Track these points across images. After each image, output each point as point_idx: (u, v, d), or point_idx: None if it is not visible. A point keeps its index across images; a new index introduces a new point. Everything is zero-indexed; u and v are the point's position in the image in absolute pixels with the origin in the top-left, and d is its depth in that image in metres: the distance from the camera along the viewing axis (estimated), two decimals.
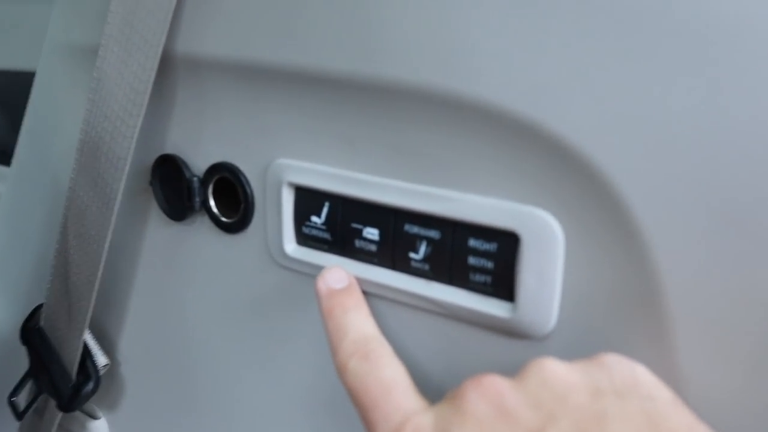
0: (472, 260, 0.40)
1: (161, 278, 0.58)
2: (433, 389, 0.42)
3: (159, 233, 0.57)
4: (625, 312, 0.36)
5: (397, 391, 0.35)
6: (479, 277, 0.40)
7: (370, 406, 0.35)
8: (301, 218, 0.47)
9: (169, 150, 0.53)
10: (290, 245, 0.48)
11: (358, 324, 0.40)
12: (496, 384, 0.33)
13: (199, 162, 0.51)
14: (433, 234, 0.41)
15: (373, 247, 0.44)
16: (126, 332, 0.64)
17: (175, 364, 0.61)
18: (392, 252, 0.43)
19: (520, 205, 0.38)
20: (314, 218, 0.46)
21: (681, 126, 0.32)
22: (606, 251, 0.36)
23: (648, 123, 0.32)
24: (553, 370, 0.33)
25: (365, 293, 0.45)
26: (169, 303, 0.58)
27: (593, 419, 0.31)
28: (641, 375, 0.33)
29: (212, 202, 0.51)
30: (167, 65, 0.50)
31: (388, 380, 0.36)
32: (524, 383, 0.33)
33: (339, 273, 0.44)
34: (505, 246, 0.39)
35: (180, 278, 0.56)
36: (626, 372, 0.33)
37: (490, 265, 0.39)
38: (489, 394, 0.33)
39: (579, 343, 0.38)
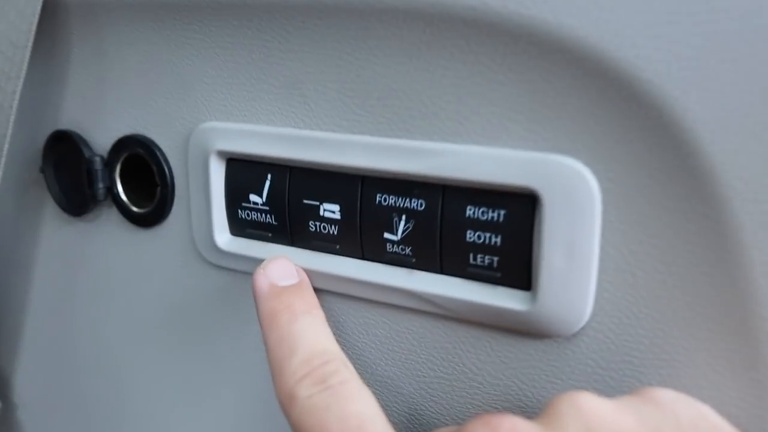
0: (471, 236, 0.30)
1: (62, 292, 0.49)
2: (424, 418, 0.34)
3: (55, 235, 0.48)
4: (690, 296, 0.27)
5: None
6: (482, 259, 0.30)
7: None
8: (235, 199, 0.37)
9: (63, 125, 0.44)
10: (222, 236, 0.38)
11: (312, 335, 0.31)
12: (513, 427, 0.24)
13: (101, 137, 0.43)
14: (415, 204, 0.31)
15: (333, 230, 0.34)
16: (21, 365, 0.54)
17: (86, 400, 0.51)
18: (360, 234, 0.33)
19: (537, 153, 0.28)
20: (253, 197, 0.36)
21: None
22: (664, 212, 0.27)
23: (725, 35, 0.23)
24: (596, 410, 0.24)
25: (323, 292, 0.35)
26: (74, 324, 0.49)
27: None
28: (712, 418, 0.26)
29: (120, 188, 0.43)
30: (56, 12, 0.41)
31: (356, 416, 0.27)
32: (555, 427, 0.24)
33: (286, 265, 0.34)
34: (518, 212, 0.29)
35: (86, 291, 0.48)
36: (694, 415, 0.25)
37: (496, 240, 0.30)
38: None
39: (620, 340, 0.29)
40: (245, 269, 0.38)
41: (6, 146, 0.40)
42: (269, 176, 0.35)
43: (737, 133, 0.24)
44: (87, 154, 0.42)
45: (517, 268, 0.30)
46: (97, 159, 0.42)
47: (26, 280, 0.51)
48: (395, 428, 0.27)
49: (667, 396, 0.26)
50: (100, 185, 0.42)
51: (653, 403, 0.25)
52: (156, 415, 0.47)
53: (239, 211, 0.37)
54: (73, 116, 0.44)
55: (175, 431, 0.46)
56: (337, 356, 0.30)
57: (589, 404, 0.24)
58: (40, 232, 0.49)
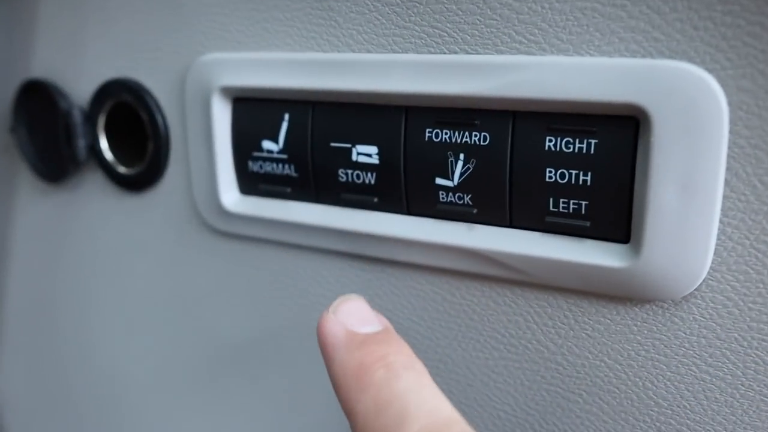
0: (552, 175, 0.24)
1: (42, 275, 0.44)
2: (488, 411, 0.29)
3: (32, 207, 0.43)
4: None
5: None
6: (566, 205, 0.24)
7: None
8: (245, 148, 0.31)
9: (36, 73, 0.39)
10: (230, 195, 0.32)
11: (425, 398, 0.22)
12: None
13: (81, 85, 0.38)
14: (477, 139, 0.25)
15: (370, 178, 0.28)
16: (4, 363, 0.49)
17: (74, 398, 0.45)
18: (404, 182, 0.27)
19: (643, 60, 0.22)
20: (267, 144, 0.30)
21: None
22: None
23: None
24: None
25: (367, 257, 0.30)
26: (58, 311, 0.44)
27: None
28: None
29: (104, 145, 0.37)
30: None
31: None
32: None
33: (362, 308, 0.26)
34: (615, 140, 0.23)
35: (69, 271, 0.42)
36: None
37: (586, 179, 0.24)
38: None
39: (745, 304, 0.23)
40: (262, 235, 0.32)
41: None
42: (287, 116, 0.30)
43: None
44: (64, 105, 0.37)
45: (613, 214, 0.24)
46: (76, 111, 0.37)
47: (2, 260, 0.46)
48: None
49: None
50: (81, 142, 0.37)
51: None
52: (153, 412, 0.41)
53: (250, 162, 0.31)
54: (46, 62, 0.39)
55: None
56: (459, 422, 0.22)
57: None
58: (14, 205, 0.44)
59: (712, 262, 0.23)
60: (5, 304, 0.48)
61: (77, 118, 0.37)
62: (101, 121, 0.37)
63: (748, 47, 0.21)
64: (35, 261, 0.44)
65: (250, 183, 0.32)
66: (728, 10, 0.20)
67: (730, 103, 0.21)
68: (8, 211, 0.45)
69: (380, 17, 0.27)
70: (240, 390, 0.37)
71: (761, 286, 0.23)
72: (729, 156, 0.22)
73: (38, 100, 0.38)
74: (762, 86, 0.21)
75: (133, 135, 0.36)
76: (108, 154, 0.37)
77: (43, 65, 0.39)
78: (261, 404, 0.36)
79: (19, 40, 0.40)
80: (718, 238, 0.23)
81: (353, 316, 0.25)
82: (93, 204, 0.40)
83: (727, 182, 0.22)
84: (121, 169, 0.37)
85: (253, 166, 0.31)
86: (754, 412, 0.24)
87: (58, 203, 0.42)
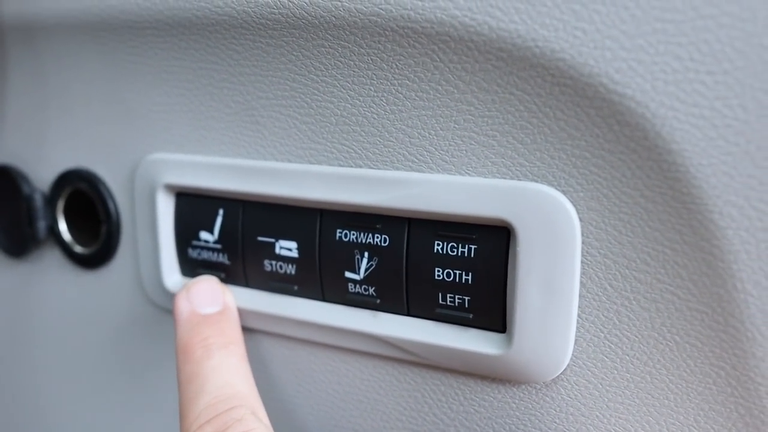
0: (440, 274, 0.28)
1: (1, 339, 0.46)
2: None
3: None
4: (680, 335, 0.25)
5: None
6: (452, 299, 0.28)
7: None
8: (185, 237, 0.34)
9: (3, 159, 0.42)
10: (172, 277, 0.35)
11: (223, 376, 0.28)
12: None
13: (43, 172, 0.40)
14: (379, 240, 0.29)
15: (290, 269, 0.31)
16: None
17: None
18: (319, 273, 0.31)
19: (511, 182, 0.26)
20: (204, 235, 0.33)
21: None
22: (648, 242, 0.24)
23: (710, 37, 0.21)
24: None
25: (281, 336, 0.33)
26: (16, 374, 0.46)
27: None
28: None
29: (63, 227, 0.40)
30: None
31: None
32: None
33: (211, 289, 0.32)
34: (491, 246, 0.27)
35: (27, 337, 0.44)
36: None
37: (467, 278, 0.27)
38: None
39: (603, 387, 0.27)
40: None
41: None
42: (221, 211, 0.33)
43: (731, 155, 0.22)
44: (26, 190, 0.40)
45: (490, 308, 0.27)
46: (38, 195, 0.40)
47: None
48: None
49: None
50: (42, 223, 0.40)
51: None
52: None
53: (189, 249, 0.34)
54: (10, 149, 0.41)
55: None
56: (245, 402, 0.27)
57: None
58: None
59: (574, 351, 0.26)
60: None
61: (38, 201, 0.39)
62: (60, 205, 0.39)
63: (594, 174, 0.25)
64: None
65: (189, 267, 0.35)
66: (576, 144, 0.24)
67: (581, 219, 0.25)
68: None
69: (298, 132, 0.30)
70: None
71: (615, 372, 0.26)
72: (583, 263, 0.25)
73: (3, 183, 0.40)
74: (606, 206, 0.25)
75: (89, 217, 0.39)
76: (66, 235, 0.39)
77: (10, 153, 0.41)
78: None
79: None
80: (578, 331, 0.26)
81: (200, 296, 0.31)
82: (51, 278, 0.42)
83: (582, 284, 0.26)
84: (77, 249, 0.39)
85: (192, 253, 0.34)
86: None
87: (19, 275, 0.44)
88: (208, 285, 0.32)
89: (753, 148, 0.22)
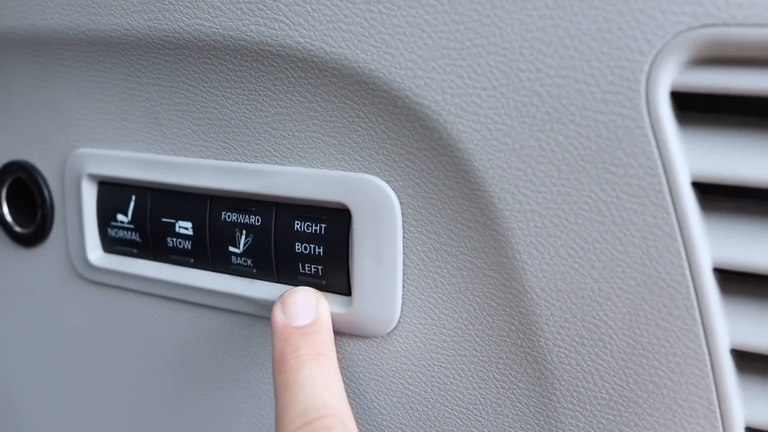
0: (299, 247, 0.33)
1: None
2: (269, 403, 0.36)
3: None
4: (480, 296, 0.31)
5: None
6: (309, 268, 0.34)
7: None
8: (105, 218, 0.40)
9: None
10: (95, 253, 0.41)
11: (315, 387, 0.30)
12: None
13: None
14: (254, 220, 0.35)
15: (187, 245, 0.37)
16: None
17: None
18: (209, 248, 0.37)
19: (347, 173, 0.32)
20: (120, 216, 0.39)
21: (518, 60, 0.27)
22: (451, 221, 0.31)
23: (481, 60, 0.27)
24: None
25: (183, 302, 0.38)
26: None
27: None
28: None
29: (5, 209, 0.45)
30: None
31: None
32: None
33: (304, 300, 0.33)
34: (336, 225, 0.33)
35: None
36: None
37: (320, 251, 0.33)
38: None
39: (427, 339, 0.33)
40: (117, 284, 0.41)
41: None
42: (133, 197, 0.39)
43: (503, 151, 0.28)
44: None
45: (337, 275, 0.33)
46: None
47: None
48: None
49: None
50: None
51: None
52: (36, 427, 0.48)
53: (109, 229, 0.40)
54: None
55: None
56: (335, 413, 0.29)
57: None
58: None
59: (402, 310, 0.32)
60: None
61: None
62: (3, 192, 0.44)
63: (409, 167, 0.31)
64: None
65: (109, 244, 0.40)
66: (394, 143, 0.31)
67: (401, 203, 0.31)
68: None
69: (192, 132, 0.36)
70: (104, 404, 0.45)
71: (435, 327, 0.32)
72: (405, 238, 0.32)
73: None
74: (419, 192, 0.31)
75: (28, 202, 0.44)
76: (8, 217, 0.45)
77: None
78: (127, 418, 0.45)
79: None
80: (404, 294, 0.32)
81: (293, 308, 0.32)
82: None
83: (406, 255, 0.32)
84: (17, 229, 0.44)
85: (111, 232, 0.40)
86: (440, 415, 0.34)
87: None
88: (302, 296, 0.33)
89: (518, 147, 0.28)
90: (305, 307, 0.33)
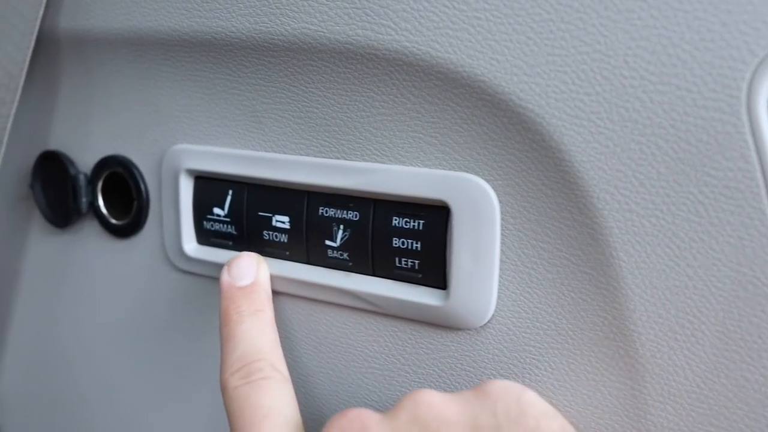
0: (396, 242, 0.35)
1: (45, 298, 0.53)
2: (361, 393, 0.38)
3: (42, 245, 0.52)
4: (575, 292, 0.32)
5: (271, 423, 0.32)
6: (406, 262, 0.35)
7: None
8: (201, 212, 0.42)
9: (52, 146, 0.49)
10: (190, 244, 0.43)
11: (252, 336, 0.35)
12: (362, 419, 0.30)
13: (86, 157, 0.47)
14: (351, 215, 0.36)
15: (283, 238, 0.38)
16: (4, 367, 0.57)
17: (65, 404, 0.54)
18: (306, 241, 0.38)
19: (448, 172, 0.33)
20: (216, 210, 0.41)
21: (622, 67, 0.28)
22: (549, 219, 0.32)
23: (585, 67, 0.29)
24: (429, 403, 0.30)
25: (278, 293, 0.40)
26: (55, 327, 0.53)
27: None
28: (528, 405, 0.30)
29: (101, 202, 0.47)
30: (48, 45, 0.45)
31: (266, 409, 0.32)
32: (395, 418, 0.30)
33: (246, 265, 0.38)
34: (434, 221, 0.34)
35: (67, 296, 0.51)
36: (511, 403, 0.30)
37: (417, 246, 0.34)
38: (353, 431, 0.29)
39: (520, 332, 0.34)
40: (210, 274, 0.42)
41: None
42: (230, 192, 0.40)
43: (604, 154, 0.29)
44: (72, 171, 0.46)
45: (434, 269, 0.35)
46: (82, 176, 0.46)
47: (13, 285, 0.54)
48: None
49: (495, 387, 0.30)
50: (84, 200, 0.46)
51: (482, 394, 0.30)
52: (131, 410, 0.50)
53: (204, 222, 0.42)
54: (60, 137, 0.48)
55: (148, 426, 0.50)
56: (266, 357, 0.34)
57: (425, 398, 0.30)
58: (28, 242, 0.52)
59: (497, 304, 0.34)
60: (11, 318, 0.55)
61: (82, 181, 0.46)
62: (99, 185, 0.46)
63: (509, 167, 0.32)
64: (40, 285, 0.52)
65: (204, 237, 0.42)
66: (496, 144, 0.32)
67: (500, 201, 0.32)
68: (22, 246, 0.52)
69: (291, 131, 0.38)
70: (194, 386, 0.47)
71: (528, 321, 0.33)
72: (502, 235, 0.33)
73: (52, 166, 0.47)
74: (518, 191, 0.32)
75: (122, 195, 0.46)
76: (104, 209, 0.46)
77: (59, 140, 0.48)
78: (211, 398, 0.47)
79: (41, 121, 0.48)
80: (499, 288, 0.33)
81: (237, 272, 0.37)
82: (89, 245, 0.49)
83: (503, 252, 0.33)
84: (113, 221, 0.46)
85: (207, 225, 0.42)
86: None
87: (62, 242, 0.50)
88: (245, 261, 0.38)
89: (618, 149, 0.29)
90: (247, 270, 0.38)
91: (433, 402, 0.30)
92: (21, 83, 0.43)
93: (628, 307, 0.31)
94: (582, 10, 0.28)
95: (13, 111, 0.43)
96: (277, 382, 0.34)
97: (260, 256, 0.39)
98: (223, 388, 0.34)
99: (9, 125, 0.44)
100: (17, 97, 0.43)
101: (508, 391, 0.30)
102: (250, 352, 0.34)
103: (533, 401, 0.30)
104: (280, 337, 0.40)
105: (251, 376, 0.33)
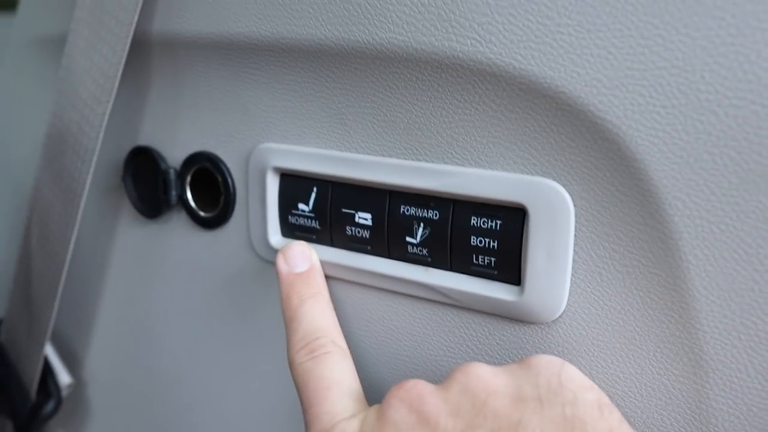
0: (474, 241, 0.37)
1: (134, 284, 0.56)
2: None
3: (131, 234, 0.55)
4: (643, 291, 0.34)
5: (334, 394, 0.35)
6: (483, 259, 0.37)
7: (307, 405, 0.35)
8: (286, 207, 0.44)
9: (143, 142, 0.51)
10: (275, 236, 0.45)
11: (312, 316, 0.39)
12: (418, 389, 0.32)
13: (175, 153, 0.49)
14: (431, 214, 0.38)
15: (365, 234, 0.41)
16: (94, 348, 0.60)
17: (151, 383, 0.57)
18: (387, 237, 0.40)
19: (526, 176, 0.35)
20: (301, 206, 0.43)
21: (699, 82, 0.29)
22: (621, 223, 0.33)
23: (663, 81, 0.30)
24: (478, 375, 0.32)
25: (355, 284, 0.42)
26: (142, 311, 0.55)
27: (509, 428, 0.30)
28: (567, 378, 0.32)
29: (190, 196, 0.49)
30: (141, 48, 0.48)
31: (328, 381, 0.35)
32: (448, 389, 0.32)
33: (300, 253, 0.41)
34: (511, 222, 0.36)
35: (155, 283, 0.54)
36: (552, 375, 0.32)
37: (494, 244, 0.36)
38: (409, 400, 0.32)
39: (590, 327, 0.36)
40: None
41: (95, 158, 0.47)
42: (315, 189, 0.42)
43: (678, 164, 0.31)
44: (163, 166, 0.49)
45: (509, 267, 0.36)
46: (171, 171, 0.48)
47: (103, 273, 0.57)
48: None
49: (538, 360, 0.33)
50: (173, 193, 0.48)
51: (526, 367, 0.32)
52: (218, 387, 0.52)
53: (289, 216, 0.44)
54: (151, 134, 0.50)
55: (237, 409, 0.52)
56: (327, 334, 0.38)
57: (475, 370, 0.32)
58: (118, 232, 0.55)
59: (568, 301, 0.35)
60: (102, 302, 0.58)
61: (172, 175, 0.48)
62: (188, 179, 0.48)
63: (585, 173, 0.33)
64: (130, 272, 0.55)
65: (289, 230, 0.44)
66: (573, 151, 0.34)
67: (575, 205, 0.34)
68: (111, 235, 0.55)
69: (375, 133, 0.40)
70: (274, 369, 0.49)
71: (598, 317, 0.35)
72: (576, 236, 0.34)
73: (143, 161, 0.49)
74: (593, 196, 0.33)
75: (209, 189, 0.48)
76: (192, 202, 0.49)
77: (151, 137, 0.50)
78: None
79: (133, 118, 0.50)
80: (571, 286, 0.35)
81: (293, 259, 0.41)
82: (178, 236, 0.51)
83: (575, 252, 0.35)
84: (201, 213, 0.48)
85: (292, 219, 0.44)
86: None
87: (151, 232, 0.53)
88: (299, 249, 0.41)
89: (692, 160, 0.31)
90: (303, 257, 0.41)
91: (482, 374, 0.32)
92: (116, 84, 0.45)
93: (695, 307, 0.32)
94: (662, 27, 0.30)
95: (109, 109, 0.46)
96: (338, 356, 0.37)
97: (310, 245, 0.42)
98: (291, 365, 0.37)
99: (105, 121, 0.46)
100: (112, 97, 0.45)
101: (550, 365, 0.32)
102: (312, 330, 0.38)
103: (572, 375, 0.32)
104: (359, 327, 0.42)
105: (314, 352, 0.36)
